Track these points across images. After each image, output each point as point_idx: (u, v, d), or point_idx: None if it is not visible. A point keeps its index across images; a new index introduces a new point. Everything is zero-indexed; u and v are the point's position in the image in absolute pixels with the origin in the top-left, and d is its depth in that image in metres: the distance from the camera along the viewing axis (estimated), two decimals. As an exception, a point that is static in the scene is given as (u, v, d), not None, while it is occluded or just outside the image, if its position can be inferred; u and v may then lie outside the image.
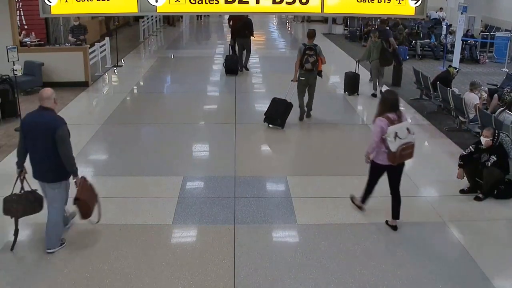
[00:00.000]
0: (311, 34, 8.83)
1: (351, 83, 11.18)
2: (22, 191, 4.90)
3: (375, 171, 5.41)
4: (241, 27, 12.76)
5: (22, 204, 4.86)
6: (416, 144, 5.13)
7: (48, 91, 4.80)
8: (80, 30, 12.72)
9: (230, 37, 13.71)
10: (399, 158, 5.09)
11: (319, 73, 9.10)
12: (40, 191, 4.94)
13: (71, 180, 4.87)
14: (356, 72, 11.36)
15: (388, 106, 5.18)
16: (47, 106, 4.72)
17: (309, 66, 8.62)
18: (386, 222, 5.52)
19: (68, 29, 13.14)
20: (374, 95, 10.93)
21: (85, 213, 4.96)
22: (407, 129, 5.09)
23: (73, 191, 4.89)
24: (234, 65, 12.78)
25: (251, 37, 13.17)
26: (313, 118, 9.17)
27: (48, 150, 4.65)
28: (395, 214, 5.42)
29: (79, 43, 12.43)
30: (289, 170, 6.97)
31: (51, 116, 4.72)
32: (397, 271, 4.68)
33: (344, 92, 11.27)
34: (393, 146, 4.97)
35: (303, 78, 8.81)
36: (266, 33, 22.86)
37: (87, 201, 4.92)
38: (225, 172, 6.84)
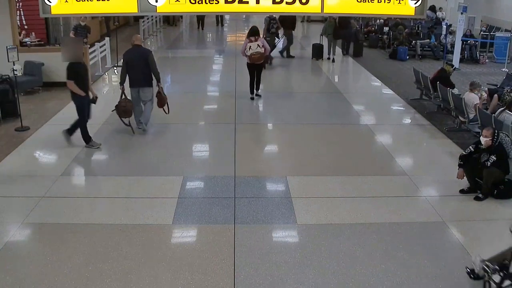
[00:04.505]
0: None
1: (317, 51, 15.17)
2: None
3: (249, 68, 10.34)
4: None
5: (130, 104, 8.06)
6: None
7: (138, 35, 8.39)
8: (83, 31, 12.69)
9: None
10: (252, 59, 10.03)
11: (277, 35, 14.60)
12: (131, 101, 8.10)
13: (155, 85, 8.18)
14: (321, 43, 15.27)
15: (250, 33, 10.08)
16: (139, 44, 8.11)
17: (273, 30, 14.22)
18: (256, 94, 10.54)
19: (71, 28, 13.07)
20: (329, 59, 15.02)
21: (162, 103, 8.37)
22: (258, 45, 9.88)
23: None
24: None
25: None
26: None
27: (143, 68, 7.93)
28: (254, 89, 10.53)
29: (79, 43, 12.41)
30: (289, 170, 6.98)
31: (142, 49, 8.24)
32: (397, 271, 4.68)
33: (312, 58, 15.15)
34: (248, 52, 9.96)
35: (269, 38, 13.73)
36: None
37: (165, 96, 8.38)
38: (225, 172, 6.85)
